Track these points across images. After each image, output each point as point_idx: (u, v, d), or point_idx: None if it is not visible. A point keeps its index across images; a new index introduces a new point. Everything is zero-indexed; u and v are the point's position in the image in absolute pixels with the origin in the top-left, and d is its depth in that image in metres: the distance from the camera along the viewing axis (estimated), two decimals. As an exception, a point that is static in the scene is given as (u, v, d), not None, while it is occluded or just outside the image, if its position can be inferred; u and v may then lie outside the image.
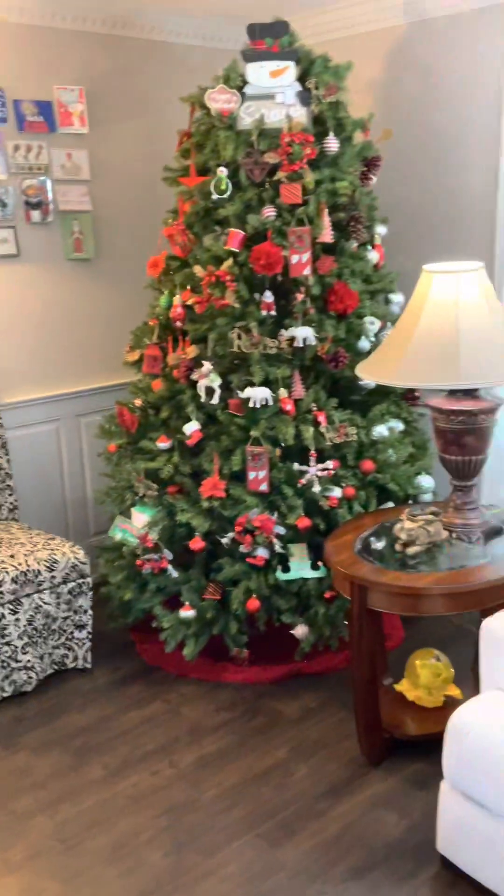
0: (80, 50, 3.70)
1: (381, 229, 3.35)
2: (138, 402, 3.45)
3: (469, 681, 3.07)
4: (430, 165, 3.74)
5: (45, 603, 3.18)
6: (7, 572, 3.07)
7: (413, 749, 2.82)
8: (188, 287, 3.25)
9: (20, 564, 3.12)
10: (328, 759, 2.82)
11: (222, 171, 3.06)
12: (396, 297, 3.42)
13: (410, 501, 3.29)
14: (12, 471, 3.67)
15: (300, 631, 3.12)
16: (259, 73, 3.07)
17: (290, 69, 3.07)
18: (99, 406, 4.05)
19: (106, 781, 2.75)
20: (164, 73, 3.99)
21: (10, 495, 3.61)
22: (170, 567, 3.24)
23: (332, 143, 3.08)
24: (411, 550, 2.65)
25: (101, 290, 3.98)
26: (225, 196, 3.08)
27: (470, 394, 2.67)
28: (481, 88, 3.46)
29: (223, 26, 4.05)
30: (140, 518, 3.34)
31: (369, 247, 3.30)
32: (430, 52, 3.62)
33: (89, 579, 3.30)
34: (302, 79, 3.11)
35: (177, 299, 3.24)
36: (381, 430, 3.22)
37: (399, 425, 3.34)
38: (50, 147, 3.65)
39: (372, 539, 2.80)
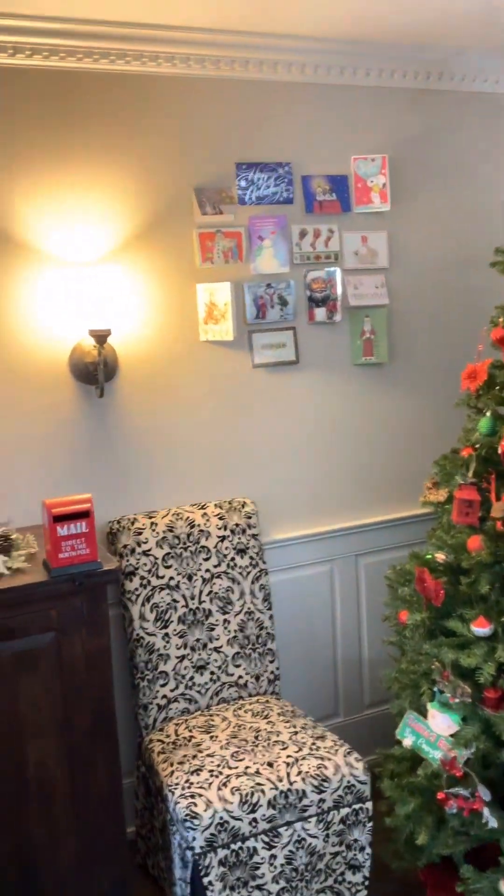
0: (383, 111, 3.02)
1: None
2: (441, 558, 2.56)
3: None
4: None
5: (309, 835, 2.35)
6: (263, 792, 2.29)
7: None
8: (525, 411, 2.34)
9: (280, 781, 2.33)
10: None
11: None
12: None
13: None
14: (275, 629, 2.93)
15: None
16: None
17: None
18: (384, 543, 3.24)
19: None
20: (483, 130, 3.19)
21: (272, 662, 2.86)
22: (486, 811, 2.27)
23: None
24: None
25: (393, 404, 3.20)
26: None
27: None
28: None
29: None
30: (440, 722, 2.42)
31: None
32: None
33: (369, 805, 2.43)
34: None
35: (509, 428, 2.35)
36: None
37: None
38: (342, 231, 2.97)
39: None
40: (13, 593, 2.06)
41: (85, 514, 2.17)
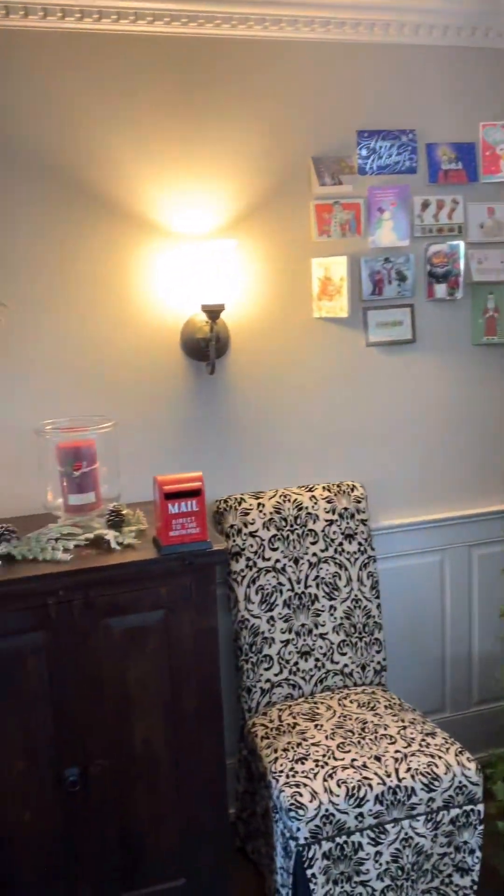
0: (515, 74, 2.83)
1: None
2: None
3: None
4: None
5: (417, 834, 2.26)
6: (371, 786, 2.21)
7: None
8: None
9: (388, 776, 2.23)
10: None
11: None
12: None
13: None
14: (382, 618, 2.83)
15: None
16: None
17: None
18: (501, 534, 3.08)
19: None
20: None
21: (379, 652, 2.77)
22: None
23: None
24: None
25: (516, 386, 3.02)
26: None
27: None
28: None
29: None
30: None
31: None
32: None
33: (480, 808, 2.31)
34: None
35: None
36: None
37: None
38: (467, 201, 2.81)
39: None
40: (126, 569, 2.04)
41: (196, 493, 2.12)
